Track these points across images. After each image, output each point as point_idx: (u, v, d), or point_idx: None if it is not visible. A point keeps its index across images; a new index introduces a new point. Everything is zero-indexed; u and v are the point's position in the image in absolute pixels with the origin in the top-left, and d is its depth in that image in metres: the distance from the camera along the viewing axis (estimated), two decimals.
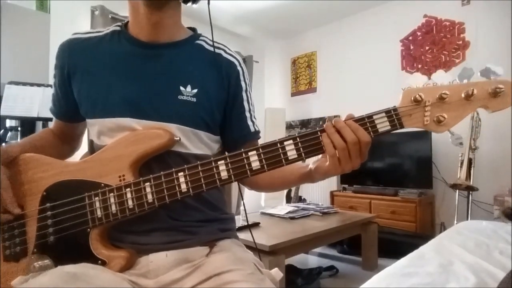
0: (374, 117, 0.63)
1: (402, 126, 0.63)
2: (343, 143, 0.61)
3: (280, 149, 0.63)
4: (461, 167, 2.50)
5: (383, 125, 0.63)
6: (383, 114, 0.63)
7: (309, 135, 0.64)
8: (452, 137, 2.43)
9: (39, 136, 0.84)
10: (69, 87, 0.77)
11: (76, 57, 0.76)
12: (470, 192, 2.52)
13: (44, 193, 0.67)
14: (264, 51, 4.72)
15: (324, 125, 0.63)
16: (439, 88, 0.62)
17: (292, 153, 0.63)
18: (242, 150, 0.64)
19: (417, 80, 0.66)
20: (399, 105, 0.63)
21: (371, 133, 0.63)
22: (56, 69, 0.79)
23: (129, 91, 0.71)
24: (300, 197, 3.74)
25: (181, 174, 0.64)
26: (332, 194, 3.53)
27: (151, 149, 0.67)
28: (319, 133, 0.63)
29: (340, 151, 0.61)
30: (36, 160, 0.70)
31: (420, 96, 0.62)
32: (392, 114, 0.63)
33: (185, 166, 0.64)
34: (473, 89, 0.60)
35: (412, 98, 0.62)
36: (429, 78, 0.64)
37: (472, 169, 2.49)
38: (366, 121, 0.63)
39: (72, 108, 0.78)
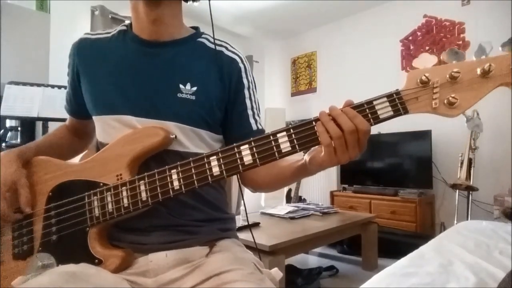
0: (374, 102, 0.57)
1: (406, 111, 0.57)
2: (339, 132, 0.56)
3: (272, 142, 0.60)
4: (461, 167, 2.50)
5: (384, 111, 0.57)
6: (385, 99, 0.57)
7: (304, 126, 0.59)
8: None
9: (54, 134, 0.89)
10: (78, 85, 0.80)
11: (84, 57, 0.78)
12: (470, 192, 2.52)
13: (50, 193, 0.70)
14: (264, 51, 4.72)
15: (319, 113, 0.58)
16: (449, 67, 0.55)
17: (285, 146, 0.59)
18: (234, 144, 0.62)
19: (426, 60, 0.60)
20: (404, 88, 0.57)
21: (371, 121, 0.57)
22: (68, 67, 0.83)
23: (130, 89, 0.72)
24: (300, 197, 3.74)
25: (174, 171, 0.63)
26: (332, 194, 3.53)
27: (148, 147, 0.68)
28: (314, 122, 0.59)
29: (336, 140, 0.56)
30: (45, 163, 0.73)
31: (427, 77, 0.55)
32: (394, 99, 0.57)
33: (178, 163, 0.64)
34: (490, 64, 0.53)
35: (418, 80, 0.56)
36: (439, 58, 0.58)
37: (472, 169, 2.49)
38: (366, 107, 0.57)
39: (82, 106, 0.80)
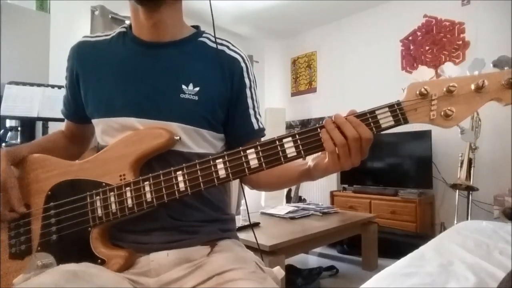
0: (377, 112, 0.60)
1: (406, 122, 0.60)
2: (343, 140, 0.59)
3: (278, 147, 0.62)
4: (461, 167, 2.50)
5: (386, 121, 0.60)
6: (386, 109, 0.60)
7: (309, 132, 0.62)
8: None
9: (48, 138, 0.88)
10: (77, 89, 0.79)
11: (83, 60, 0.78)
12: (470, 192, 2.52)
13: (49, 192, 0.69)
14: (264, 51, 4.72)
15: (324, 121, 0.61)
16: (446, 81, 0.59)
17: (291, 151, 0.62)
18: (241, 148, 0.63)
19: (424, 73, 0.63)
20: (404, 99, 0.60)
21: (374, 129, 0.60)
22: (66, 71, 0.82)
23: (132, 91, 0.72)
24: (300, 197, 3.75)
25: (179, 173, 0.64)
26: (332, 194, 3.53)
27: (151, 148, 0.67)
28: (319, 129, 0.61)
29: (340, 147, 0.59)
30: (43, 161, 0.72)
31: (426, 90, 0.58)
32: (395, 109, 0.60)
33: (184, 165, 0.64)
34: (483, 81, 0.56)
35: (418, 92, 0.59)
36: (436, 72, 0.62)
37: (472, 169, 2.49)
38: (368, 117, 0.60)
39: (80, 109, 0.80)
